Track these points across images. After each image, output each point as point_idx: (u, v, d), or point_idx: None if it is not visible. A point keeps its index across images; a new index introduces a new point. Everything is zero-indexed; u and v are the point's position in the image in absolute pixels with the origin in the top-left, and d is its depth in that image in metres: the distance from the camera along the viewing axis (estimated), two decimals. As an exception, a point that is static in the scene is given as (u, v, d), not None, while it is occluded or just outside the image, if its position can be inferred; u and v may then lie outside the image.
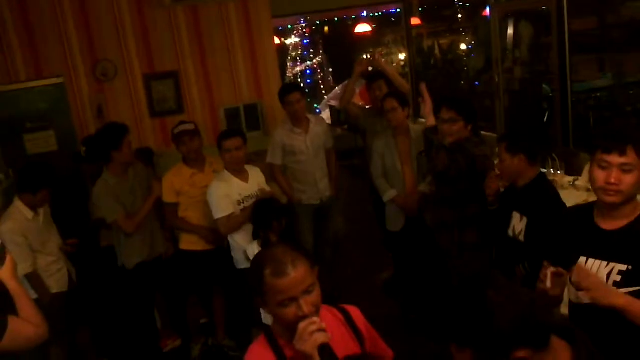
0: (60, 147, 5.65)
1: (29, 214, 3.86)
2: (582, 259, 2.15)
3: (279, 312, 1.85)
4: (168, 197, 4.25)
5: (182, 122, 4.42)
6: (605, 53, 7.22)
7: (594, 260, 2.13)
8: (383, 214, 4.80)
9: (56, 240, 4.04)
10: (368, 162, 5.16)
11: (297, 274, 1.84)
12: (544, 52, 6.69)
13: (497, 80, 6.62)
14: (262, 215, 3.73)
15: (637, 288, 2.03)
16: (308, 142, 4.86)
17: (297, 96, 4.75)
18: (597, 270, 2.12)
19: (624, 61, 6.95)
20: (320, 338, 1.81)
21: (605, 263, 2.10)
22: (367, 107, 5.23)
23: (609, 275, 2.08)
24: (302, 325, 1.81)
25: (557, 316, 2.22)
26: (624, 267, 2.06)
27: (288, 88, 4.91)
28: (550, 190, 3.16)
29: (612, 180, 2.01)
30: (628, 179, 2.01)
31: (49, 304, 3.77)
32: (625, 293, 2.03)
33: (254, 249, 3.61)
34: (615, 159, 2.01)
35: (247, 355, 1.95)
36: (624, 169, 2.01)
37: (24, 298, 2.43)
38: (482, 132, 4.19)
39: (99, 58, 5.76)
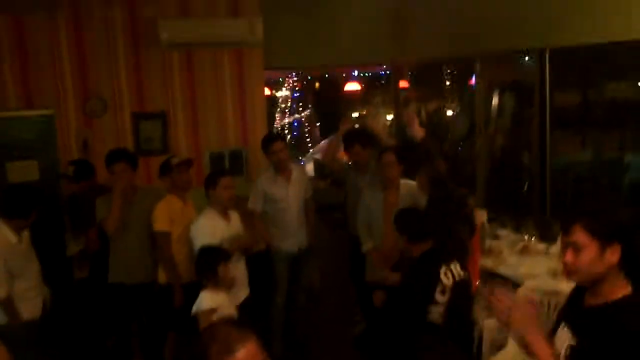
0: (42, 177, 5.64)
1: (14, 238, 3.84)
2: (562, 324, 2.14)
3: None
4: (162, 226, 4.28)
5: (173, 157, 4.60)
6: (586, 129, 7.43)
7: (565, 327, 2.12)
8: (358, 267, 4.83)
9: (35, 265, 4.03)
10: (348, 216, 5.23)
11: (247, 350, 1.70)
12: (525, 124, 6.87)
13: (478, 146, 6.78)
14: (206, 259, 3.70)
15: None
16: (290, 190, 4.92)
17: (280, 145, 4.86)
18: (562, 337, 2.11)
19: (604, 138, 7.15)
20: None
21: (570, 335, 2.08)
22: (349, 163, 5.32)
23: (567, 345, 2.07)
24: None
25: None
26: (573, 342, 2.03)
27: (271, 137, 5.03)
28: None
29: (564, 260, 2.01)
30: (581, 258, 1.96)
31: (18, 332, 3.72)
32: None
33: (205, 300, 3.58)
34: (565, 238, 2.01)
35: None
36: (575, 247, 1.97)
37: None
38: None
39: (90, 93, 5.82)
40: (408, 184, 4.63)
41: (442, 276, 3.49)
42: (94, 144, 5.80)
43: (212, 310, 3.52)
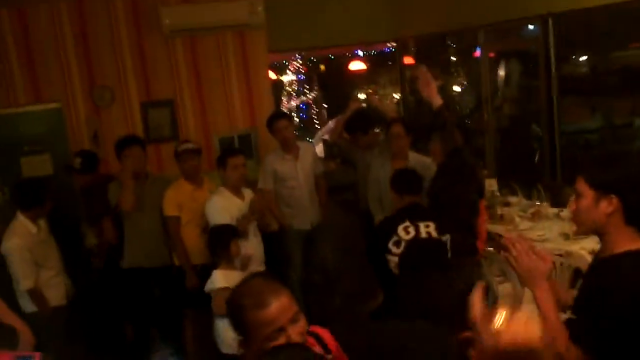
0: (56, 170, 5.71)
1: (33, 228, 3.97)
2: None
3: (267, 346, 1.71)
4: (170, 211, 4.38)
5: (185, 141, 4.63)
6: (595, 96, 7.39)
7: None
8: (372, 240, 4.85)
9: (56, 253, 4.17)
10: (360, 194, 5.25)
11: (281, 302, 1.76)
12: (533, 92, 6.85)
13: (486, 118, 6.76)
14: (218, 237, 3.75)
15: (572, 317, 2.06)
16: (298, 168, 4.96)
17: (284, 123, 4.90)
18: None
19: (614, 105, 7.12)
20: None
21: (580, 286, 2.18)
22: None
23: None
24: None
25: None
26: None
27: (275, 115, 5.07)
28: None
29: (570, 209, 2.13)
30: (579, 206, 2.05)
31: (49, 318, 3.86)
32: (566, 317, 2.08)
33: (218, 278, 3.63)
34: (574, 189, 2.10)
35: None
36: (577, 196, 2.06)
37: None
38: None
39: (97, 84, 5.87)
40: (417, 156, 4.65)
41: (400, 230, 3.65)
42: (104, 134, 5.86)
43: (226, 289, 3.56)
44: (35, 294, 3.95)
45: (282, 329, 1.73)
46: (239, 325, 1.79)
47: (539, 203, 4.82)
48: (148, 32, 5.96)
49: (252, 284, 1.83)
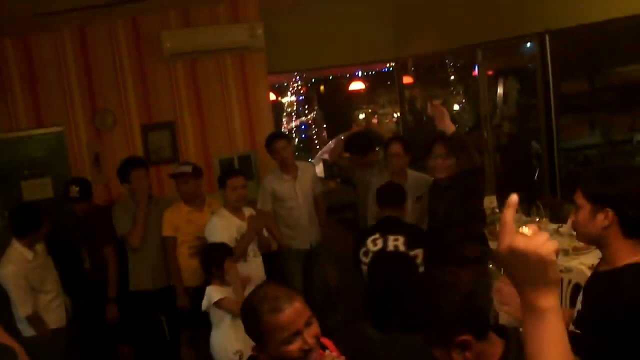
0: (56, 194, 5.74)
1: (29, 254, 3.97)
2: (581, 291, 2.21)
3: (283, 350, 1.81)
4: (167, 231, 4.40)
5: (183, 163, 4.66)
6: (594, 113, 7.43)
7: (581, 294, 2.18)
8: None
9: (54, 275, 4.18)
10: (359, 214, 5.27)
11: (295, 307, 1.84)
12: (531, 110, 6.89)
13: (485, 136, 6.79)
14: (213, 255, 3.77)
15: (576, 331, 2.03)
16: (297, 188, 4.98)
17: (282, 143, 4.94)
18: (579, 304, 2.17)
19: (613, 121, 7.15)
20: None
21: (581, 300, 2.16)
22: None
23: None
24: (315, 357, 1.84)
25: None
26: (579, 307, 2.13)
27: (274, 136, 5.10)
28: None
29: (570, 220, 2.18)
30: (577, 218, 2.09)
31: (48, 342, 3.86)
32: (570, 331, 2.05)
33: (214, 292, 3.64)
34: (573, 202, 2.14)
35: None
36: (576, 208, 2.10)
37: None
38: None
39: (99, 107, 5.93)
40: (416, 174, 4.67)
41: (368, 241, 3.89)
42: (105, 158, 5.90)
43: (225, 299, 3.60)
44: (34, 320, 3.95)
45: (298, 333, 1.82)
46: (254, 330, 1.86)
47: (538, 219, 4.82)
48: (149, 56, 6.02)
49: (267, 289, 1.90)
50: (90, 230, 4.73)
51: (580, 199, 2.07)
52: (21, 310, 3.88)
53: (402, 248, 3.80)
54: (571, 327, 2.09)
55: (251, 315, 1.87)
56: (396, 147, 4.57)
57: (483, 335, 1.66)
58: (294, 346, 1.81)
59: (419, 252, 3.80)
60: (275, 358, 1.85)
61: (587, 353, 1.86)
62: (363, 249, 3.93)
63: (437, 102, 4.21)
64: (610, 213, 1.99)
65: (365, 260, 3.92)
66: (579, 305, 2.17)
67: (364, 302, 4.06)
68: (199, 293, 4.14)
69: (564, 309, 2.45)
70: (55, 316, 4.11)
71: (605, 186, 2.03)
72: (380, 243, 3.87)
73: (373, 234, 3.93)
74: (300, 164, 5.21)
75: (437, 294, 1.64)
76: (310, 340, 1.84)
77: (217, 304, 3.60)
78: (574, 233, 2.44)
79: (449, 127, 3.72)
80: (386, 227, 3.91)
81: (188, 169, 4.55)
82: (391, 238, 3.84)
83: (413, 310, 1.65)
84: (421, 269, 3.77)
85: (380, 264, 3.84)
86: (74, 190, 4.70)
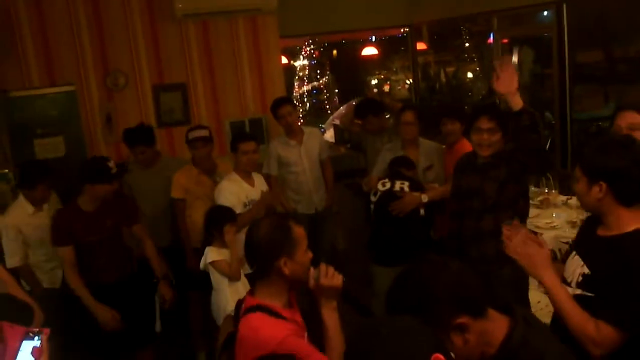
0: (68, 153, 5.78)
1: (30, 209, 4.00)
2: (573, 253, 2.30)
3: (305, 258, 2.21)
4: (176, 193, 4.46)
5: (197, 128, 4.64)
6: (609, 85, 7.33)
7: (576, 255, 2.27)
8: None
9: None
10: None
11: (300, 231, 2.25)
12: (545, 79, 6.81)
13: (498, 104, 6.73)
14: (215, 217, 3.80)
15: (586, 294, 2.14)
16: (302, 153, 5.01)
17: (288, 108, 4.94)
18: (574, 265, 2.25)
19: (627, 92, 7.06)
20: (339, 276, 2.20)
21: (581, 263, 2.23)
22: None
23: (578, 273, 2.22)
24: (322, 266, 2.19)
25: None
26: (587, 271, 2.18)
27: (279, 101, 5.09)
28: None
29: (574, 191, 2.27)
30: (576, 189, 2.23)
31: (40, 297, 3.86)
32: (576, 294, 2.16)
33: (211, 253, 3.69)
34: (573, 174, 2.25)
35: (260, 332, 2.08)
36: (576, 181, 2.22)
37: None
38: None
39: (111, 68, 5.93)
40: (427, 143, 4.66)
41: (378, 184, 4.25)
42: (117, 118, 5.93)
43: (222, 261, 3.66)
44: (25, 272, 3.97)
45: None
46: (287, 241, 2.16)
47: (547, 191, 4.82)
48: (161, 16, 5.99)
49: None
50: None
51: (578, 172, 2.19)
52: (8, 261, 3.89)
53: (406, 190, 4.16)
54: (578, 291, 2.17)
55: (284, 229, 2.17)
56: (409, 116, 4.54)
57: (480, 313, 1.63)
58: (309, 254, 2.22)
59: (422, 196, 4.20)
60: (300, 265, 2.18)
61: (615, 314, 2.02)
62: (373, 191, 4.28)
63: (508, 60, 3.42)
64: (604, 186, 2.11)
65: (374, 199, 4.24)
66: (571, 262, 2.27)
67: (368, 241, 4.39)
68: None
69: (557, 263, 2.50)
70: (48, 277, 4.11)
71: (598, 161, 2.14)
72: (388, 185, 4.21)
73: (383, 179, 4.31)
74: (306, 129, 5.22)
75: (427, 278, 1.63)
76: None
77: (212, 265, 3.66)
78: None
79: (517, 99, 3.06)
80: (395, 174, 4.28)
81: (205, 132, 4.55)
82: (398, 182, 4.20)
83: (405, 298, 1.64)
84: (422, 212, 4.15)
85: (387, 202, 4.16)
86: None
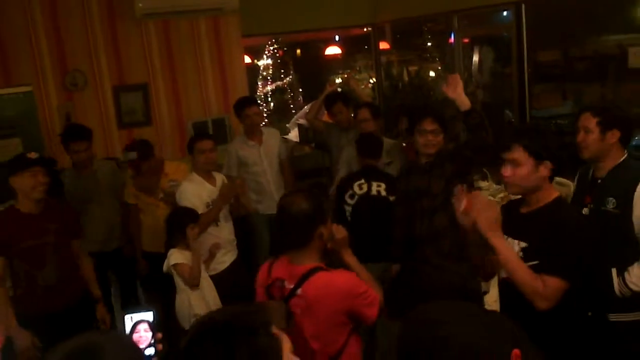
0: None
1: None
2: (505, 237, 2.45)
3: (329, 224, 2.42)
4: (128, 198, 4.50)
5: (129, 149, 4.47)
6: (567, 83, 7.50)
7: (509, 238, 2.46)
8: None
9: None
10: (334, 178, 5.29)
11: None
12: (505, 78, 6.93)
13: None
14: (177, 219, 3.77)
15: (533, 262, 2.35)
16: (262, 153, 5.01)
17: (255, 109, 4.93)
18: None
19: (584, 90, 7.23)
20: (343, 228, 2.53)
21: (516, 241, 2.47)
22: (331, 122, 5.38)
23: (517, 250, 2.44)
24: (334, 226, 2.44)
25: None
26: (524, 244, 2.44)
27: (246, 101, 5.07)
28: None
29: (504, 174, 2.44)
30: (518, 172, 2.39)
31: None
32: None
33: (174, 255, 3.66)
34: (505, 156, 2.42)
35: (337, 282, 2.29)
36: (513, 164, 2.39)
37: None
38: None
39: (69, 68, 5.81)
40: (387, 141, 4.70)
41: (355, 185, 4.20)
42: (76, 118, 5.82)
43: (184, 264, 3.61)
44: None
45: None
46: (323, 212, 2.38)
47: (485, 182, 4.95)
48: (121, 16, 5.91)
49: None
50: None
51: (520, 155, 2.37)
52: None
53: (383, 193, 4.15)
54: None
55: (319, 200, 2.39)
56: (364, 113, 4.59)
57: None
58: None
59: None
60: (329, 230, 2.39)
61: (561, 268, 2.29)
62: (349, 192, 4.22)
63: (456, 74, 3.72)
64: (549, 163, 2.38)
65: (351, 202, 4.21)
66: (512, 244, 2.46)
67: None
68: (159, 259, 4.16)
69: None
70: None
71: (543, 142, 2.40)
72: (365, 187, 4.18)
73: (359, 179, 4.24)
74: (265, 130, 5.23)
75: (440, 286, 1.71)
76: None
77: (174, 268, 3.62)
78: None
79: (465, 100, 3.32)
80: (369, 174, 4.24)
81: (133, 155, 4.34)
82: (374, 184, 4.18)
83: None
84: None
85: (365, 205, 4.17)
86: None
